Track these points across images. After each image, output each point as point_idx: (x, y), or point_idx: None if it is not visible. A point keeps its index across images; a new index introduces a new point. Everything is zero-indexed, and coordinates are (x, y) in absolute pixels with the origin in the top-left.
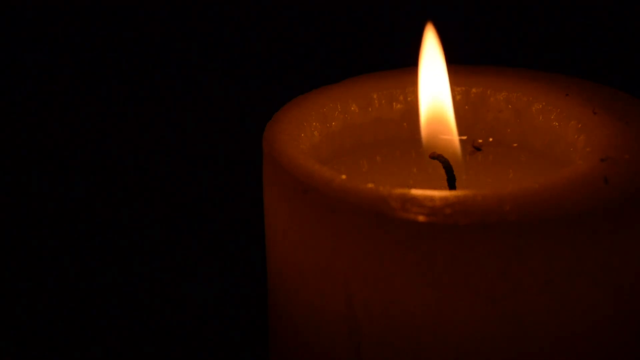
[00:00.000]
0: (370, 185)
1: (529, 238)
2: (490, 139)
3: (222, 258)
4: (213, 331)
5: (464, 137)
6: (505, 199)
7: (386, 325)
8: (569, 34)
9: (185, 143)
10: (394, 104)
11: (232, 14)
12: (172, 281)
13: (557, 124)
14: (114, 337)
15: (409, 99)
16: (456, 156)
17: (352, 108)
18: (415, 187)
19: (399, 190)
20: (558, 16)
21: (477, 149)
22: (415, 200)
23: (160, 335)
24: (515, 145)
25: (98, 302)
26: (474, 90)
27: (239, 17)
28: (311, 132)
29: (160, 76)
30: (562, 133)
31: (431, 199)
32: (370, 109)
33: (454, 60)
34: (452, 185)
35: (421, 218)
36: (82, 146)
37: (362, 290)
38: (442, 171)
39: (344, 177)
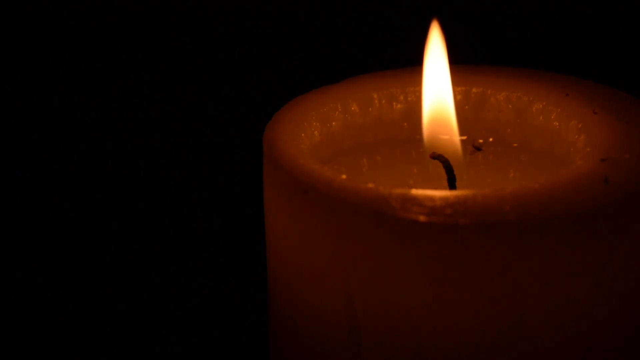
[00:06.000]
0: (370, 185)
1: (529, 238)
2: (491, 139)
3: (222, 258)
4: (213, 331)
5: (464, 137)
6: (505, 199)
7: (386, 325)
8: (569, 34)
9: (185, 143)
10: (394, 104)
11: (233, 13)
12: (172, 281)
13: (557, 124)
14: (114, 337)
15: (409, 99)
16: (456, 156)
17: (353, 108)
18: (416, 187)
19: (399, 190)
20: (558, 16)
21: (478, 149)
22: (415, 200)
23: (160, 335)
24: (515, 145)
25: (98, 301)
26: (474, 90)
27: (239, 17)
28: (311, 132)
29: (160, 76)
30: (562, 133)
31: (431, 198)
32: (370, 109)
33: (455, 60)
34: (452, 185)
35: (421, 218)
36: (81, 146)
37: (362, 290)
38: (443, 171)
39: (344, 177)
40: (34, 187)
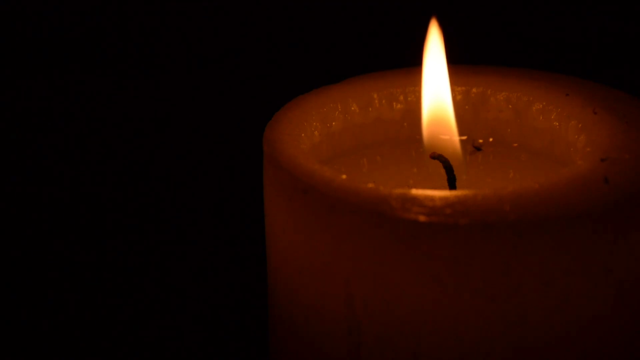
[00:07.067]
0: (370, 185)
1: (529, 238)
2: (491, 139)
3: (222, 258)
4: (213, 331)
5: (464, 137)
6: (505, 199)
7: (386, 325)
8: (569, 34)
9: (186, 143)
10: (394, 104)
11: (233, 13)
12: (172, 281)
13: (557, 124)
14: (114, 337)
15: (409, 99)
16: (456, 156)
17: (352, 108)
18: (416, 187)
19: (399, 190)
20: (558, 16)
21: (478, 148)
22: (415, 200)
23: (160, 335)
24: (515, 145)
25: (97, 301)
26: (474, 90)
27: (239, 17)
28: (311, 132)
29: (160, 76)
30: (562, 133)
31: (431, 198)
32: (370, 109)
33: (455, 59)
34: (452, 185)
35: (421, 218)
36: (81, 146)
37: (362, 290)
38: (443, 171)
39: (344, 177)
40: (35, 188)
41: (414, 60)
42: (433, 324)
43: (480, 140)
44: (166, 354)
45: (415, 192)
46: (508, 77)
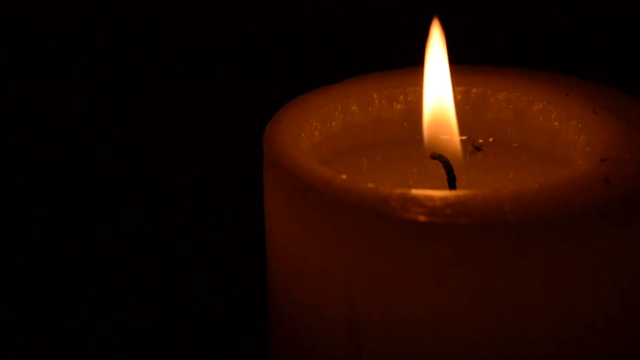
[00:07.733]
0: (370, 185)
1: (529, 238)
2: (491, 139)
3: (222, 258)
4: (213, 331)
5: (464, 137)
6: (505, 199)
7: (386, 325)
8: (569, 34)
9: (185, 143)
10: (394, 104)
11: (233, 13)
12: (172, 281)
13: (557, 124)
14: (114, 337)
15: (409, 99)
16: (456, 156)
17: (353, 108)
18: (416, 187)
19: (399, 190)
20: (558, 16)
21: (478, 149)
22: (415, 200)
23: (160, 335)
24: (515, 145)
25: (97, 301)
26: (474, 90)
27: (239, 16)
28: (311, 132)
29: (160, 76)
30: (562, 133)
31: (431, 198)
32: (370, 109)
33: (455, 60)
34: (452, 185)
35: (421, 218)
36: (81, 147)
37: (362, 290)
38: (443, 171)
39: (344, 177)
40: (34, 188)
41: (414, 60)
42: (433, 324)
43: (480, 140)
44: (166, 354)
45: (415, 192)
46: (508, 77)
